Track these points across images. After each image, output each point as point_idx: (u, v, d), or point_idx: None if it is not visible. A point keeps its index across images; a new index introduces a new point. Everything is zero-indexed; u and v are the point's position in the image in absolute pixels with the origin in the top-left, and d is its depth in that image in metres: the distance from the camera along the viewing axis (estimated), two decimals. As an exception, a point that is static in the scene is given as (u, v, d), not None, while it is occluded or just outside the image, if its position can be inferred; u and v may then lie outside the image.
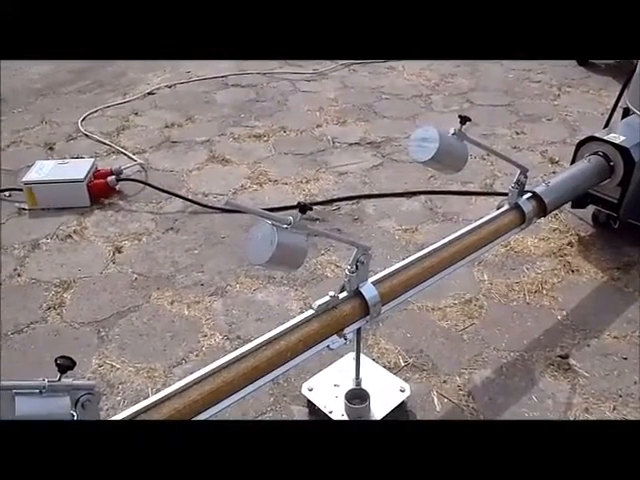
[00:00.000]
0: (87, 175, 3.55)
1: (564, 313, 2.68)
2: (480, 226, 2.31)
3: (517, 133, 4.32)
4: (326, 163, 3.94)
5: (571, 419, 2.19)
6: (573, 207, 3.21)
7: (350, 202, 3.50)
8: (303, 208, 1.61)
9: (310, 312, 1.77)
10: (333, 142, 4.22)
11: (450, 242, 2.23)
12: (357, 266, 1.83)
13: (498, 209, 2.47)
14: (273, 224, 1.55)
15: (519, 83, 5.26)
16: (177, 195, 3.57)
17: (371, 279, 1.93)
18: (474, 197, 3.52)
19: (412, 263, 2.09)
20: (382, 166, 3.88)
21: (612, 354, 2.48)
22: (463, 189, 3.59)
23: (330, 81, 5.36)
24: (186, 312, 2.68)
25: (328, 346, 1.82)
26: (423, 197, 3.51)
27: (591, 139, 2.96)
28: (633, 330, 2.61)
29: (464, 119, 2.03)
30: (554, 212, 3.25)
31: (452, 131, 2.03)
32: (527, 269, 2.94)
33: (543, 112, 4.66)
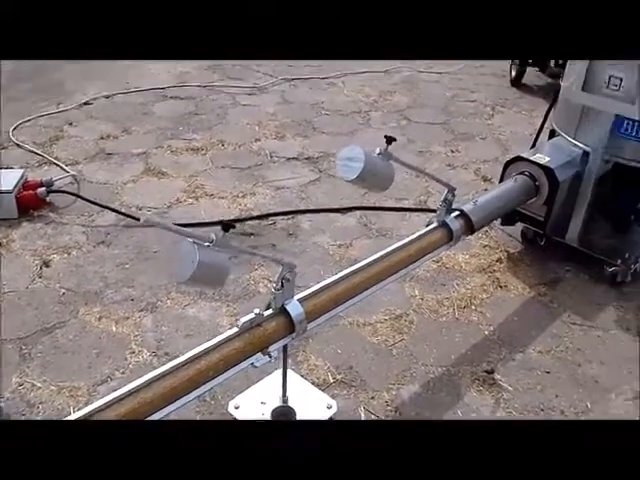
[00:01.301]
0: (16, 186, 3.44)
1: (491, 328, 2.75)
2: (409, 243, 2.35)
3: (452, 151, 4.43)
4: (263, 177, 3.94)
5: (571, 419, 2.22)
6: (502, 224, 3.30)
7: (286, 217, 3.50)
8: (226, 226, 1.60)
9: (234, 330, 1.76)
10: (271, 156, 4.22)
11: (379, 259, 2.26)
12: (282, 283, 1.83)
13: (427, 226, 2.51)
14: (194, 242, 1.53)
15: (455, 102, 5.39)
16: (109, 208, 3.49)
17: (298, 296, 1.93)
18: (408, 213, 3.58)
19: (341, 279, 2.11)
20: (319, 181, 3.90)
21: (536, 368, 2.55)
22: (398, 205, 3.64)
23: (270, 95, 5.37)
24: (114, 328, 2.62)
25: (252, 364, 1.80)
26: (358, 213, 3.54)
27: (518, 159, 3.05)
28: (557, 345, 2.69)
29: (390, 139, 2.06)
30: (484, 229, 3.35)
31: (378, 151, 2.05)
32: (457, 285, 3.00)
33: (477, 131, 4.79)
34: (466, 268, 3.12)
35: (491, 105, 5.34)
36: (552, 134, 3.35)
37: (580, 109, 3.03)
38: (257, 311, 1.79)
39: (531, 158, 3.02)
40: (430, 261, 3.07)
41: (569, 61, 2.84)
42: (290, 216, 3.51)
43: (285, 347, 1.96)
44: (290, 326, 1.86)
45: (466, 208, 2.60)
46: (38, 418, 2.20)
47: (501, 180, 3.10)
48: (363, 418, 2.25)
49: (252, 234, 3.32)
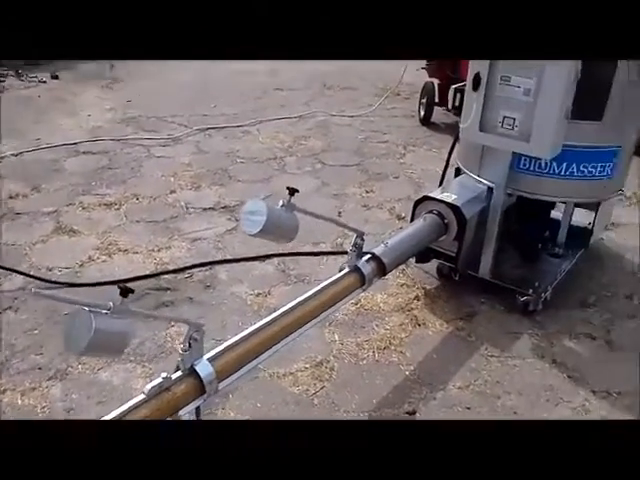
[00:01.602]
0: None
1: (412, 368, 2.77)
2: (322, 290, 2.35)
3: (367, 191, 4.51)
4: (179, 230, 3.89)
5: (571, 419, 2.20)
6: (417, 262, 3.37)
7: (203, 269, 3.45)
8: (124, 291, 1.55)
9: (141, 397, 1.69)
10: (187, 208, 4.18)
11: (292, 309, 2.25)
12: (190, 344, 1.79)
13: (340, 271, 2.52)
14: (91, 310, 1.48)
15: (368, 143, 5.52)
16: (15, 271, 3.35)
17: (208, 355, 1.89)
18: (326, 257, 3.59)
19: (253, 332, 2.08)
20: (235, 230, 3.88)
21: (457, 405, 2.58)
22: (315, 249, 3.66)
23: (185, 146, 5.35)
24: (19, 401, 2.48)
25: (162, 430, 1.74)
26: (276, 260, 3.53)
27: (426, 198, 3.13)
28: (476, 379, 2.74)
29: (292, 190, 2.07)
30: (401, 267, 3.40)
31: (281, 203, 2.06)
32: (377, 326, 3.02)
33: (390, 170, 4.91)
34: (385, 308, 3.15)
35: (403, 145, 5.50)
36: (458, 172, 3.47)
37: (481, 148, 3.15)
38: (165, 375, 1.74)
39: (438, 197, 3.11)
40: (349, 303, 3.08)
41: (465, 104, 2.96)
42: (207, 267, 3.46)
43: (198, 408, 1.90)
44: (200, 387, 1.81)
45: (377, 251, 2.63)
46: None
47: (412, 219, 3.17)
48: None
49: (168, 289, 3.25)
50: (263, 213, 1.95)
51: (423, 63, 6.20)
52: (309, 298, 2.32)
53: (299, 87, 7.36)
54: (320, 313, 2.35)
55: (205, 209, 4.16)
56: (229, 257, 3.55)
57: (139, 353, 2.74)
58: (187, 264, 3.48)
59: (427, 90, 5.97)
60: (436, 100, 5.89)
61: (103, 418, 1.55)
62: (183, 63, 7.79)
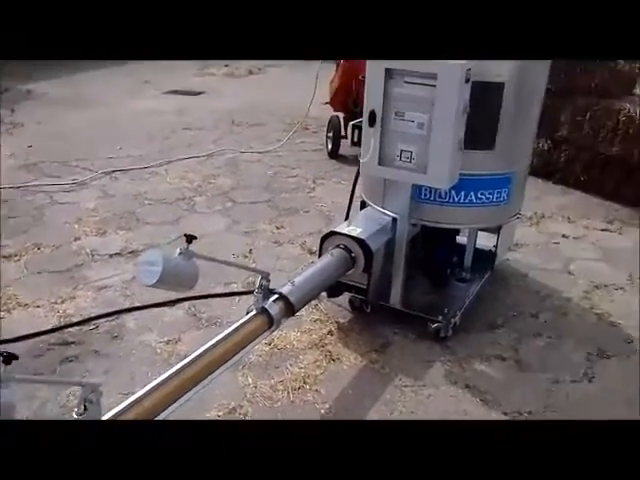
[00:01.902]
0: None
1: (327, 406, 2.75)
2: (228, 336, 2.31)
3: (277, 228, 4.50)
4: (84, 278, 3.74)
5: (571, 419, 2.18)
6: (329, 297, 3.38)
7: (109, 318, 3.33)
8: (7, 359, 1.46)
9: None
10: (92, 255, 4.03)
11: (200, 355, 2.21)
12: (86, 407, 1.70)
13: (247, 314, 2.49)
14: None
15: (278, 179, 5.55)
16: None
17: (110, 413, 1.80)
18: (238, 297, 3.54)
19: (160, 385, 2.02)
20: (144, 276, 3.77)
21: (373, 439, 2.57)
22: (226, 290, 3.60)
23: (90, 190, 5.19)
24: None
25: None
26: (186, 304, 3.45)
27: (332, 233, 3.15)
28: (391, 411, 2.75)
29: (190, 238, 2.04)
30: (314, 302, 3.40)
31: (179, 251, 2.02)
32: (291, 365, 2.99)
33: (301, 205, 4.93)
34: (298, 346, 3.13)
35: (312, 178, 5.55)
36: (363, 205, 3.52)
37: (383, 180, 3.22)
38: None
39: (344, 231, 3.14)
40: (262, 344, 3.05)
41: (363, 139, 3.01)
42: (114, 317, 3.34)
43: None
44: (99, 451, 1.72)
45: (284, 290, 2.62)
46: None
47: (320, 255, 3.18)
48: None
49: (73, 342, 3.11)
50: (159, 263, 1.91)
51: (327, 98, 6.33)
52: (216, 344, 2.28)
53: (207, 125, 7.33)
54: (229, 358, 2.32)
55: (111, 255, 4.03)
56: (137, 304, 3.44)
57: (40, 415, 2.59)
58: (92, 314, 3.35)
59: (333, 124, 6.09)
60: (342, 133, 6.00)
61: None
62: (88, 103, 7.65)
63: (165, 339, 3.14)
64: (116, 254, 4.05)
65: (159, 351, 3.06)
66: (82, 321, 3.28)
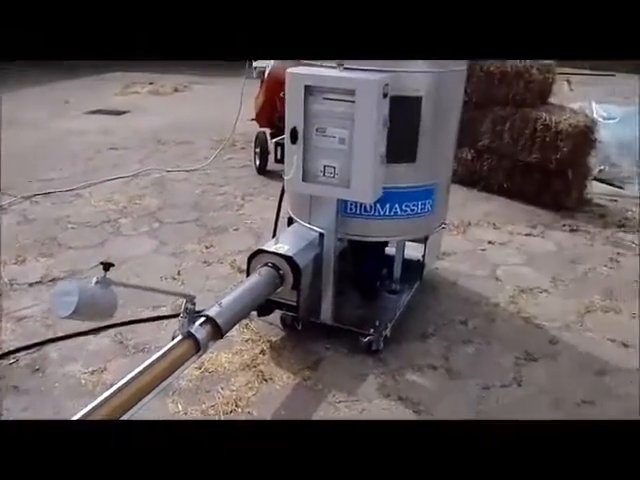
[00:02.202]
0: None
1: (260, 427, 2.70)
2: (153, 363, 2.24)
3: (206, 247, 4.43)
4: (2, 309, 3.56)
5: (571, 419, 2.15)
6: (259, 316, 3.33)
7: (30, 351, 3.18)
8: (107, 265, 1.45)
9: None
10: (10, 284, 3.85)
11: (125, 385, 2.14)
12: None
13: (173, 339, 2.42)
14: None
15: (206, 197, 5.47)
16: None
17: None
18: (166, 321, 3.46)
19: (84, 417, 1.93)
20: (66, 304, 3.63)
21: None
22: (154, 314, 3.51)
23: (9, 216, 4.98)
24: None
25: None
26: (112, 331, 3.34)
27: (260, 252, 3.12)
28: (325, 428, 2.72)
29: (107, 265, 1.96)
30: (245, 322, 3.35)
31: (95, 280, 1.94)
32: (222, 388, 2.93)
33: (230, 223, 4.88)
34: (230, 368, 3.07)
35: (241, 195, 5.51)
36: (290, 221, 3.51)
37: (308, 196, 3.21)
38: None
39: (271, 249, 3.11)
40: (192, 368, 2.98)
41: (286, 156, 3.00)
42: (36, 348, 3.19)
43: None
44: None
45: (211, 312, 2.56)
46: None
47: (248, 274, 3.13)
48: None
49: (-10, 379, 2.95)
50: (74, 294, 1.83)
51: (253, 114, 6.31)
52: (143, 371, 2.21)
53: (132, 145, 7.18)
54: (157, 385, 2.25)
55: (31, 284, 3.86)
56: (60, 334, 3.30)
57: None
58: (12, 347, 3.19)
59: (260, 140, 6.07)
60: (270, 149, 5.99)
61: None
62: (4, 124, 7.36)
63: (90, 369, 3.03)
64: (36, 282, 3.89)
65: (84, 382, 2.94)
66: (0, 355, 3.12)
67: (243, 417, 2.74)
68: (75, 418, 1.89)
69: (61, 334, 3.31)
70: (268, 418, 2.75)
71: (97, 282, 1.95)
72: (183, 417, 2.73)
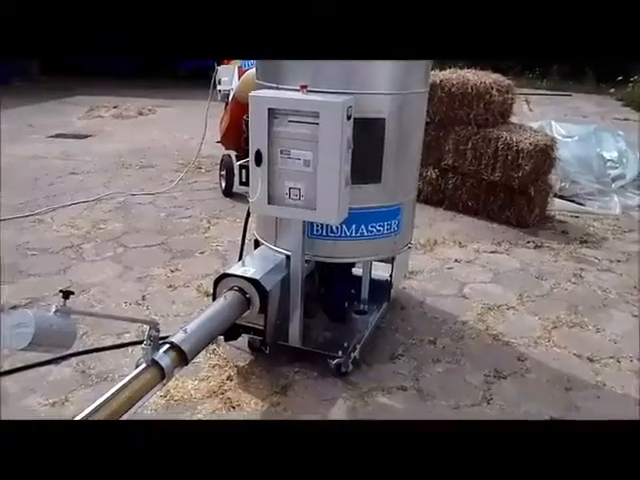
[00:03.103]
0: None
1: (228, 455, 2.63)
2: (116, 393, 2.17)
3: (172, 271, 4.37)
4: (-41, 341, 3.44)
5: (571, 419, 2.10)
6: (226, 340, 3.28)
7: (-13, 383, 3.07)
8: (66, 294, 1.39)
9: None
10: (-32, 315, 3.73)
11: (87, 416, 2.06)
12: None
13: (136, 368, 2.36)
14: None
15: (171, 220, 5.41)
16: None
17: None
18: (130, 348, 3.37)
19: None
20: (27, 333, 3.52)
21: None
22: (118, 341, 3.42)
23: (-34, 243, 4.84)
24: None
25: None
26: (74, 360, 3.24)
27: (225, 275, 3.08)
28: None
29: (67, 293, 1.91)
30: (212, 347, 3.30)
31: (54, 308, 1.88)
32: (188, 417, 2.86)
33: (196, 246, 4.82)
34: (196, 395, 3.01)
35: (207, 218, 5.46)
36: (257, 244, 3.48)
37: (274, 219, 3.19)
38: None
39: (237, 273, 3.07)
40: (157, 396, 2.91)
41: (251, 179, 2.98)
42: (-7, 381, 3.08)
43: None
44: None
45: (176, 339, 2.51)
46: None
47: (214, 298, 3.09)
48: None
49: (-56, 415, 2.83)
50: (30, 324, 1.77)
51: (219, 136, 6.29)
52: (105, 402, 2.14)
53: (96, 169, 7.08)
54: (120, 416, 2.18)
55: (-10, 313, 3.75)
56: (18, 365, 3.19)
57: None
58: (-32, 381, 3.08)
59: (225, 163, 6.04)
60: (235, 172, 5.96)
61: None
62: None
63: (50, 401, 2.93)
64: (-5, 311, 3.77)
65: (43, 415, 2.84)
66: (-46, 389, 3.01)
67: (211, 445, 2.68)
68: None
69: (20, 364, 3.20)
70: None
71: (56, 311, 1.89)
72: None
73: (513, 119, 6.03)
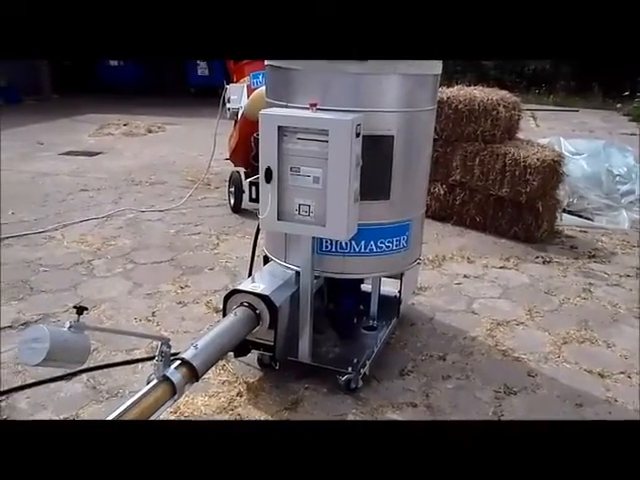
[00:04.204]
0: None
1: (239, 472, 2.63)
2: (127, 410, 2.18)
3: (182, 287, 4.39)
4: (-29, 357, 3.47)
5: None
6: (236, 356, 3.29)
7: (-1, 399, 3.09)
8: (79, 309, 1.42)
9: None
10: (-20, 331, 3.76)
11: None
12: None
13: (148, 383, 2.37)
14: None
15: (181, 237, 5.44)
16: None
17: None
18: (140, 364, 3.39)
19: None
20: (38, 349, 3.54)
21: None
22: (128, 357, 3.44)
23: (-22, 260, 4.89)
24: None
25: None
26: (85, 376, 3.26)
27: (235, 292, 3.09)
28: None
29: (80, 309, 1.93)
30: (221, 363, 3.31)
31: (68, 324, 1.90)
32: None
33: (205, 262, 4.85)
34: (206, 412, 3.01)
35: (216, 234, 5.49)
36: (266, 260, 3.50)
37: (284, 235, 3.21)
38: None
39: (247, 289, 3.08)
40: (167, 412, 2.91)
41: (261, 195, 3.00)
42: (4, 397, 3.10)
43: None
44: None
45: (187, 355, 2.53)
46: None
47: (224, 314, 3.10)
48: None
49: (-43, 430, 2.85)
50: (46, 339, 1.79)
51: (228, 154, 6.34)
52: (116, 418, 2.15)
53: (106, 186, 7.15)
54: (130, 433, 2.18)
55: (1, 329, 3.77)
56: (30, 381, 3.21)
57: None
58: (-21, 397, 3.10)
59: (234, 179, 6.09)
60: (244, 188, 6.00)
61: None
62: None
63: (61, 417, 2.94)
64: (6, 327, 3.79)
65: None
66: (-34, 406, 3.03)
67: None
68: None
69: (31, 381, 3.23)
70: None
71: (70, 327, 1.91)
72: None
73: (520, 135, 6.05)
